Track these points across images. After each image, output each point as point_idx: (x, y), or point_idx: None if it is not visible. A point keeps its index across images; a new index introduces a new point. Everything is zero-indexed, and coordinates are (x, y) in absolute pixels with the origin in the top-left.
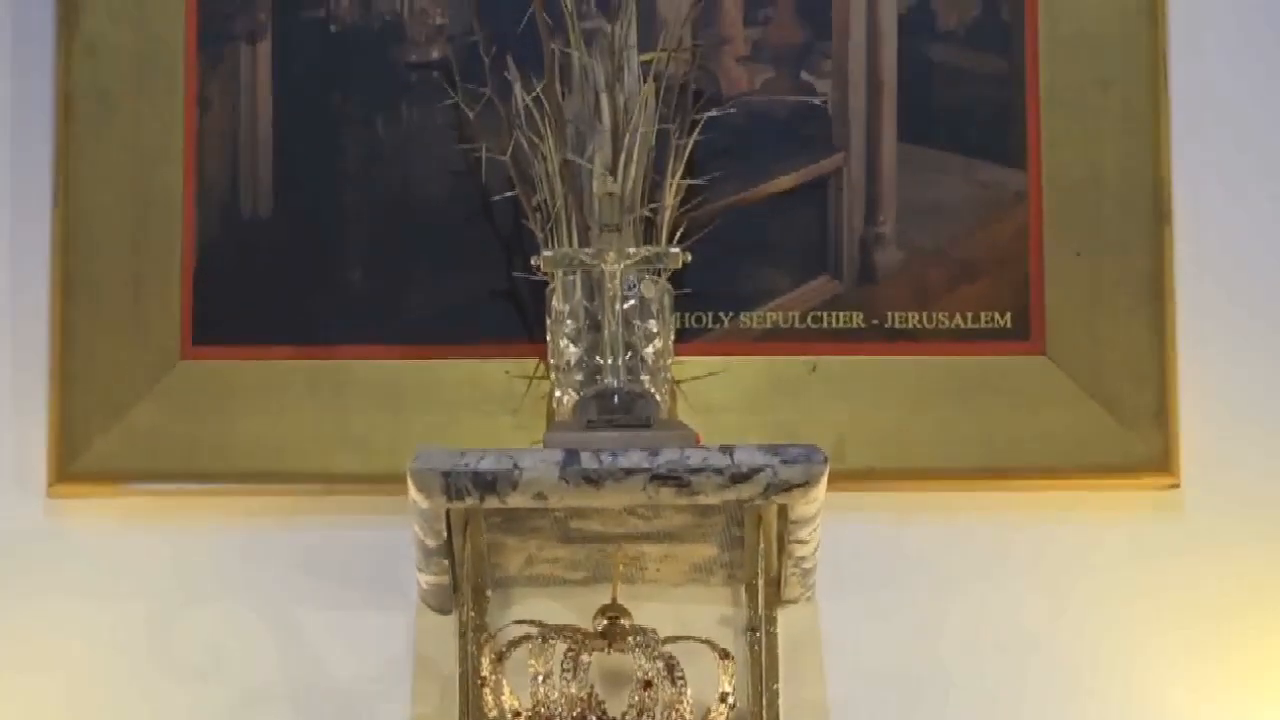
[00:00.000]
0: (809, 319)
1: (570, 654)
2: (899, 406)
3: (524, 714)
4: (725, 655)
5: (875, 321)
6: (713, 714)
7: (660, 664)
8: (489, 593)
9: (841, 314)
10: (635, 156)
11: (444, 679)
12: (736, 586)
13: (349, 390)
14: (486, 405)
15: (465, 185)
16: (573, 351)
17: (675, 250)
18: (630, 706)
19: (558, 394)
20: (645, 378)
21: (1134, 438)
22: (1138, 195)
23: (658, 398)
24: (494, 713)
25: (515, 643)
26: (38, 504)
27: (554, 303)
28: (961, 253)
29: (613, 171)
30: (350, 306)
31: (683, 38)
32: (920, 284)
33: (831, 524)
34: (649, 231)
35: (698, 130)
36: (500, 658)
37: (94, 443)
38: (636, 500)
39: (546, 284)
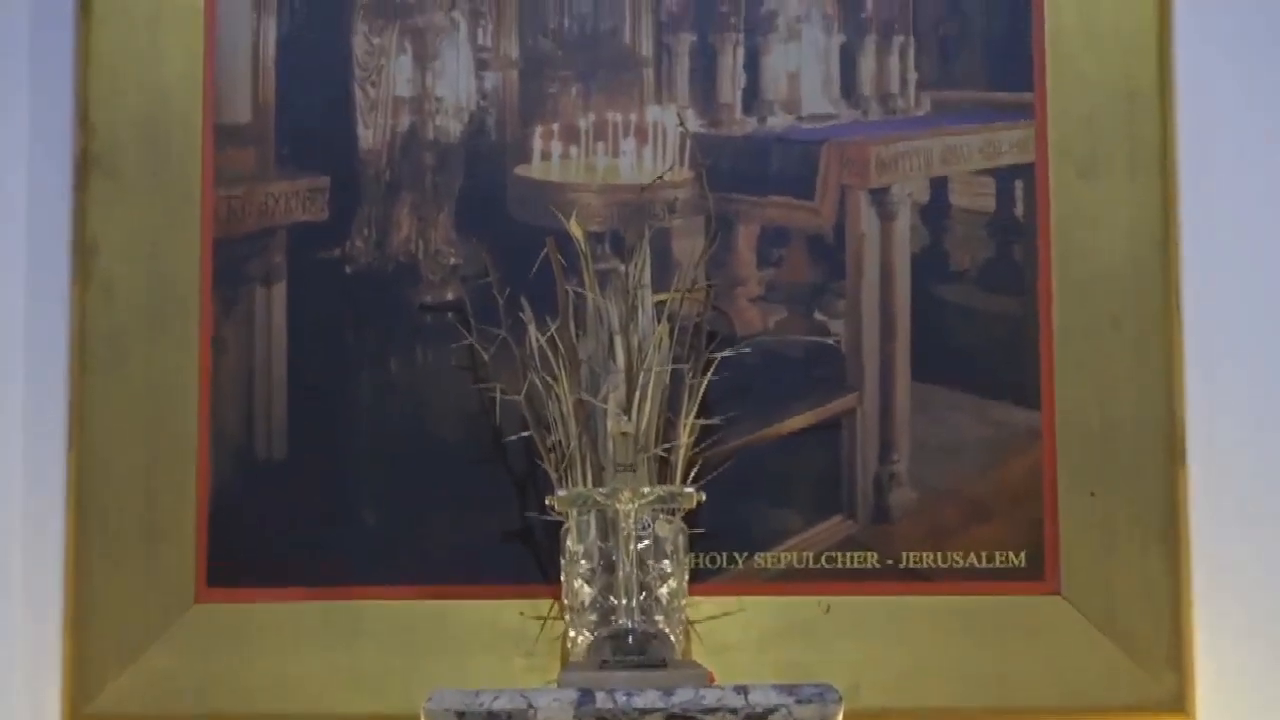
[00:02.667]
0: (823, 559)
1: None
2: (913, 646)
3: None
4: None
5: (889, 561)
6: None
7: None
8: None
9: (855, 554)
10: (649, 396)
11: None
12: None
13: (363, 631)
14: (501, 646)
15: (479, 426)
16: (587, 592)
17: (690, 490)
18: None
19: (572, 634)
20: (660, 618)
21: (1149, 678)
22: (1151, 434)
23: (672, 638)
24: None
25: None
26: None
27: (568, 543)
28: (975, 492)
29: (627, 411)
30: (364, 548)
31: (696, 278)
32: (934, 523)
33: None
34: (663, 471)
35: (711, 370)
36: None
37: (108, 686)
38: None
39: (561, 524)
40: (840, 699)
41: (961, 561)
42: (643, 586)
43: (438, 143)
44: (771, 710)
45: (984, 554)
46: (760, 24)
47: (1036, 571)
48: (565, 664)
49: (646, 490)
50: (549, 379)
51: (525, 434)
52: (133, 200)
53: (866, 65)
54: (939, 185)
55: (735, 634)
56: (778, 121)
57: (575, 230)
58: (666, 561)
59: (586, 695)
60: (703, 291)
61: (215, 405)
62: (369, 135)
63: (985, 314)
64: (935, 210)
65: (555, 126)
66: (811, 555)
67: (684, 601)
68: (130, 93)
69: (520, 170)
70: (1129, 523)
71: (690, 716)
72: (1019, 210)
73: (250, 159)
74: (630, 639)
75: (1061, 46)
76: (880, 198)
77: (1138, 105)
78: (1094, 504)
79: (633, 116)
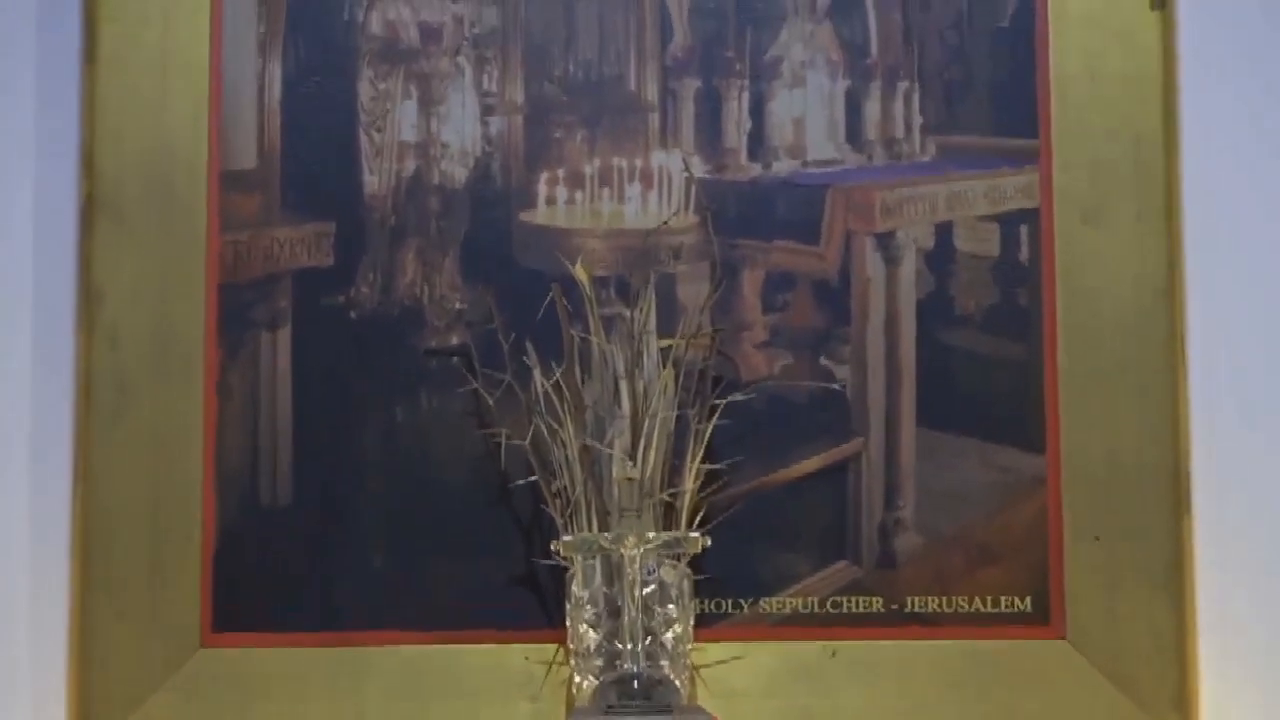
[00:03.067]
0: (829, 604)
1: None
2: (919, 691)
3: None
4: None
5: (895, 606)
6: None
7: None
8: None
9: (861, 599)
10: (654, 442)
11: None
12: None
13: (369, 677)
14: (506, 691)
15: (485, 471)
16: (592, 637)
17: (695, 535)
18: None
19: (577, 679)
20: (665, 663)
21: None
22: (1157, 480)
23: (677, 683)
24: None
25: None
26: None
27: (573, 588)
28: (980, 537)
29: (632, 457)
30: (370, 593)
31: (701, 323)
32: (939, 568)
33: None
34: (668, 516)
35: (717, 415)
36: None
37: None
38: None
39: (566, 569)
40: None
41: (967, 606)
42: (648, 631)
43: (443, 188)
44: None
45: (989, 599)
46: (765, 70)
47: (1042, 616)
48: (571, 709)
49: (652, 535)
50: (554, 424)
51: (530, 479)
52: (138, 245)
53: (871, 110)
54: (944, 230)
55: (741, 679)
56: (783, 166)
57: (580, 275)
58: (672, 606)
59: None
60: (708, 336)
61: (220, 450)
62: (374, 180)
63: (990, 359)
64: (940, 255)
65: (560, 172)
66: (817, 600)
67: (689, 646)
68: (135, 138)
69: (525, 215)
70: (1134, 568)
71: None
72: (1024, 255)
73: (255, 204)
74: (636, 684)
75: (1066, 92)
76: (885, 243)
77: (1143, 151)
78: (1099, 549)
79: (638, 162)
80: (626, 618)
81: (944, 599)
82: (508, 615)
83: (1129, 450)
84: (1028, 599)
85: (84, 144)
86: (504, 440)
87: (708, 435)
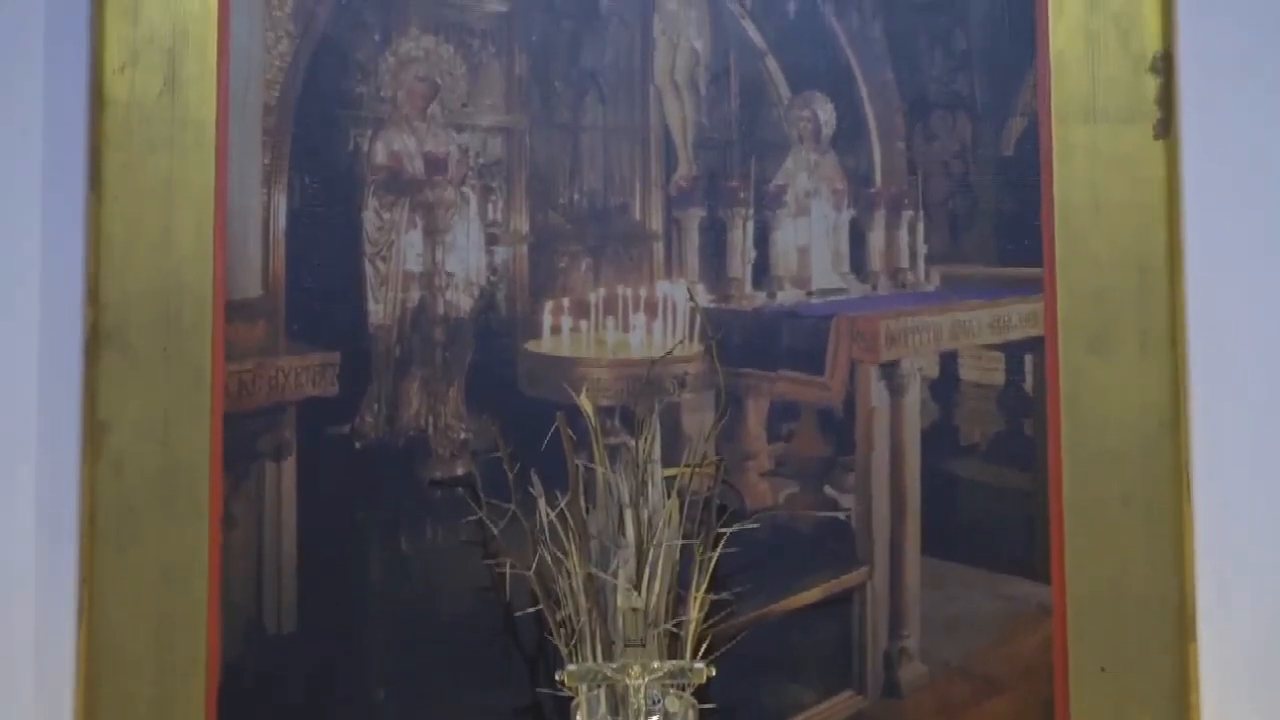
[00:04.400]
0: None
1: None
2: None
3: None
4: None
5: None
6: None
7: None
8: None
9: None
10: (659, 571)
11: None
12: None
13: None
14: None
15: (489, 601)
16: None
17: (700, 665)
18: None
19: None
20: None
21: None
22: (1162, 611)
23: None
24: None
25: None
26: None
27: (578, 718)
28: (986, 667)
29: (637, 586)
30: None
31: (706, 453)
32: (945, 699)
33: None
34: (673, 646)
35: (722, 544)
36: None
37: None
38: None
39: (570, 700)
40: None
41: None
42: None
43: (448, 317)
44: None
45: None
46: (769, 199)
47: None
48: None
49: (656, 665)
50: (559, 553)
51: (535, 609)
52: (143, 376)
53: (875, 240)
54: (949, 359)
55: None
56: (787, 296)
57: (585, 405)
58: None
59: None
60: (713, 466)
61: (225, 580)
62: (379, 310)
63: (995, 489)
64: (945, 385)
65: (565, 301)
66: None
67: None
68: (140, 268)
69: (530, 345)
70: (1140, 699)
71: None
72: (1029, 385)
73: (260, 334)
74: None
75: (1070, 221)
76: (890, 372)
77: (1147, 281)
78: (1105, 679)
79: (642, 291)
80: None
81: None
82: None
83: (1135, 581)
84: None
85: (89, 274)
86: (508, 570)
87: (713, 564)
